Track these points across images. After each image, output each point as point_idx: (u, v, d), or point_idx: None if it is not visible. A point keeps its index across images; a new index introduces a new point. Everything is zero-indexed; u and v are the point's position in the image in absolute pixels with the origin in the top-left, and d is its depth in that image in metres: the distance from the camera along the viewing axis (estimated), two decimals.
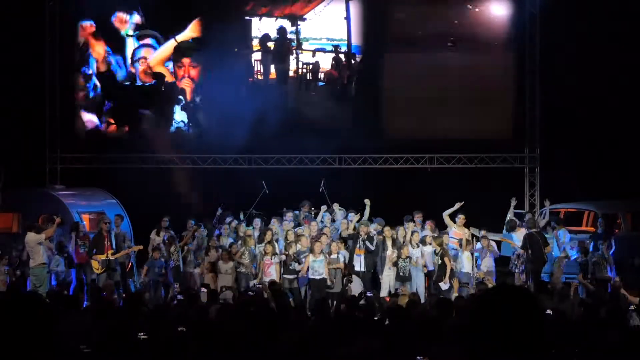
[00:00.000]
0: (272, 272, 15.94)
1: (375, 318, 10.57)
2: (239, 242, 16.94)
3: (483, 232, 17.07)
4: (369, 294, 14.95)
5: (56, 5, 21.64)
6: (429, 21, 22.05)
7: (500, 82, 22.15)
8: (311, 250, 16.04)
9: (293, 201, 18.75)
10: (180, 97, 22.08)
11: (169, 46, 22.08)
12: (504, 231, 17.64)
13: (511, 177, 22.04)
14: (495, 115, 22.03)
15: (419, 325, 8.15)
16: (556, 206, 19.68)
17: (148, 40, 22.11)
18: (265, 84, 22.15)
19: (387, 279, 16.46)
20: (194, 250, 17.26)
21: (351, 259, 16.62)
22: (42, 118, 21.67)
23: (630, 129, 21.13)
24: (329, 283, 15.91)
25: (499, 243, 17.55)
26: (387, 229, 16.98)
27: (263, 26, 22.10)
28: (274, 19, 22.13)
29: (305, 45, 22.17)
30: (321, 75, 22.26)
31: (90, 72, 21.99)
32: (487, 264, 16.60)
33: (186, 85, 22.07)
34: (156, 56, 22.12)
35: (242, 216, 18.42)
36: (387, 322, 9.65)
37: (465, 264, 16.49)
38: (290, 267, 16.10)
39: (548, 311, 9.91)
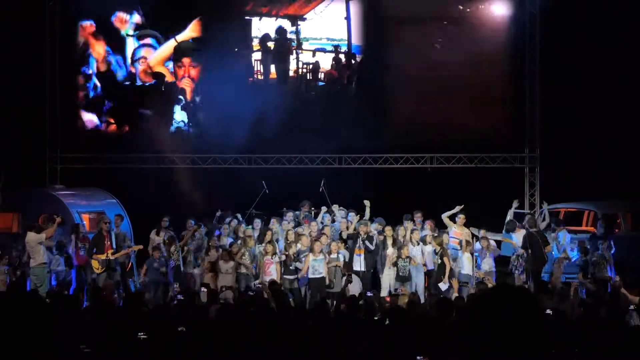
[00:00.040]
0: (272, 272, 15.92)
1: (375, 318, 10.57)
2: (239, 242, 16.93)
3: (482, 232, 17.06)
4: (369, 294, 14.93)
5: (56, 5, 21.64)
6: (429, 21, 22.07)
7: (501, 82, 22.16)
8: (311, 250, 16.04)
9: (293, 201, 18.74)
10: (181, 97, 22.08)
11: (169, 46, 22.08)
12: (503, 231, 17.63)
13: (511, 177, 22.04)
14: (495, 115, 22.03)
15: (419, 325, 8.15)
16: (556, 206, 19.67)
17: (148, 40, 22.11)
18: (265, 84, 22.14)
19: (387, 279, 16.44)
20: (193, 250, 17.26)
21: (351, 258, 16.61)
22: (42, 118, 21.68)
23: (630, 129, 21.13)
24: (328, 282, 15.92)
25: (498, 243, 17.54)
26: (388, 228, 16.98)
27: (263, 26, 22.10)
28: (274, 18, 22.13)
29: (305, 45, 22.17)
30: (321, 75, 22.25)
31: (90, 72, 22.00)
32: (488, 263, 16.58)
33: (186, 85, 22.07)
34: (156, 56, 22.13)
35: (240, 217, 18.38)
36: (387, 322, 9.64)
37: (465, 264, 16.46)
38: (291, 267, 16.10)
39: (548, 311, 9.91)
